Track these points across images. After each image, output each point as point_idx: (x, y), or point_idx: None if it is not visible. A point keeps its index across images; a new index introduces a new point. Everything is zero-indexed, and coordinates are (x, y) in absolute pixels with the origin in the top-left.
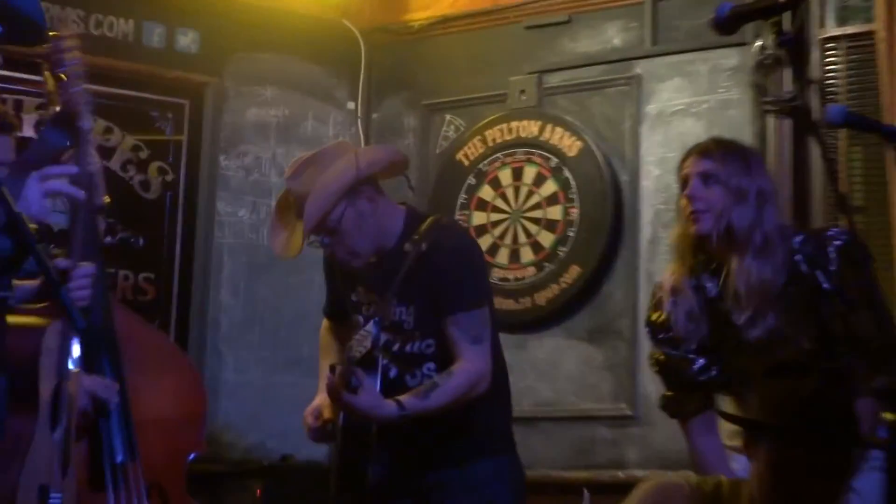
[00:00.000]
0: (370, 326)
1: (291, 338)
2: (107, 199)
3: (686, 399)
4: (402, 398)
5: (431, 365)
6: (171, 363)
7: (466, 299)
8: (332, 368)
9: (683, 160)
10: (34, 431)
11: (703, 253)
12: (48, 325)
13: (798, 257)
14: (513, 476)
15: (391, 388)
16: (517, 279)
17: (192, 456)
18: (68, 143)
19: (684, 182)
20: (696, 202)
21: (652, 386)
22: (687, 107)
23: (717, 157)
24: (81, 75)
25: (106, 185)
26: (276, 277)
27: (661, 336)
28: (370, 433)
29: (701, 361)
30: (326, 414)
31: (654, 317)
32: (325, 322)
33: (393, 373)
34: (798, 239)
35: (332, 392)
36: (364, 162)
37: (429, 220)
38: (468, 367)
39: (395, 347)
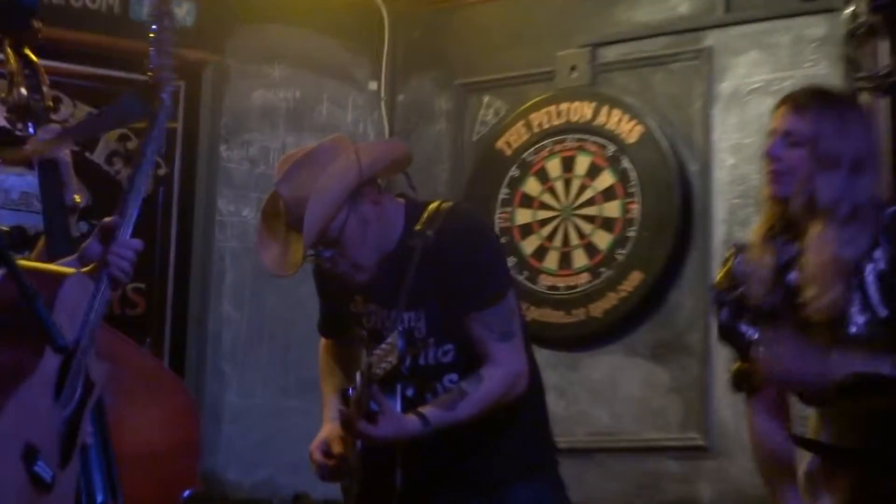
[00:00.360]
0: (394, 338)
1: (304, 356)
2: (77, 199)
3: (752, 371)
4: (426, 410)
5: (453, 376)
6: (158, 386)
7: (488, 293)
8: (344, 396)
9: (776, 108)
10: (27, 368)
11: (783, 216)
12: (71, 274)
13: (883, 233)
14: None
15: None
16: (569, 287)
17: (186, 493)
18: (144, 114)
19: (772, 134)
20: (776, 163)
21: (728, 411)
22: (766, 84)
23: (808, 115)
24: (172, 42)
25: (87, 181)
26: (286, 286)
27: (723, 299)
28: (394, 459)
29: (752, 333)
30: (337, 448)
31: (721, 275)
32: (322, 341)
33: (410, 392)
34: (890, 211)
35: (348, 424)
36: (366, 160)
37: (430, 207)
38: (500, 369)
39: (407, 363)
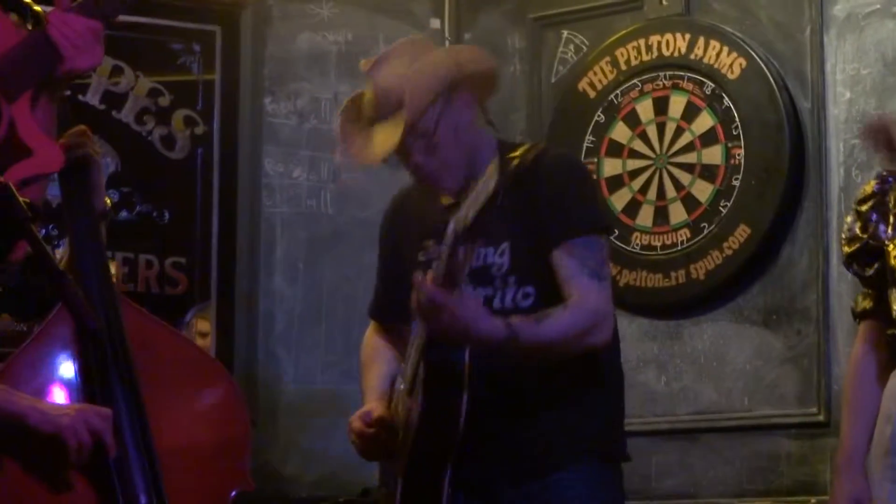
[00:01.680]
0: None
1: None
2: (108, 202)
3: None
4: (511, 319)
5: None
6: (199, 375)
7: (585, 220)
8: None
9: None
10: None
11: None
12: None
13: None
14: (609, 493)
15: (476, 369)
16: (666, 247)
17: (233, 493)
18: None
19: None
20: None
21: None
22: (885, 6)
23: None
24: None
25: (115, 143)
26: (346, 255)
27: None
28: (451, 429)
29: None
30: (378, 412)
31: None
32: (369, 330)
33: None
34: None
35: (424, 298)
36: (462, 57)
37: (525, 146)
38: (586, 304)
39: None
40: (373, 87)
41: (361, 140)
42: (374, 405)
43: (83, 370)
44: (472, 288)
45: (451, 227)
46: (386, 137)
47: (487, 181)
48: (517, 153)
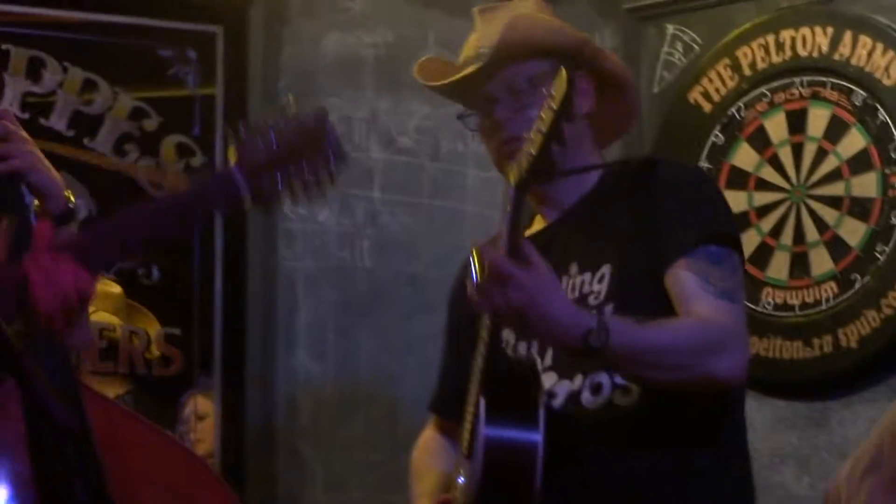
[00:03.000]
0: None
1: (422, 425)
2: (70, 198)
3: None
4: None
5: None
6: (190, 490)
7: (712, 226)
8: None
9: None
10: None
11: None
12: None
13: None
14: None
15: (557, 422)
16: (807, 306)
17: None
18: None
19: None
20: None
21: None
22: None
23: None
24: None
25: (88, 179)
26: (389, 321)
27: None
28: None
29: None
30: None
31: None
32: (431, 425)
33: (569, 388)
34: None
35: (487, 265)
36: (594, 44)
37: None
38: (711, 318)
39: None
40: (478, 29)
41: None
42: None
43: (39, 479)
44: None
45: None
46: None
47: (554, 95)
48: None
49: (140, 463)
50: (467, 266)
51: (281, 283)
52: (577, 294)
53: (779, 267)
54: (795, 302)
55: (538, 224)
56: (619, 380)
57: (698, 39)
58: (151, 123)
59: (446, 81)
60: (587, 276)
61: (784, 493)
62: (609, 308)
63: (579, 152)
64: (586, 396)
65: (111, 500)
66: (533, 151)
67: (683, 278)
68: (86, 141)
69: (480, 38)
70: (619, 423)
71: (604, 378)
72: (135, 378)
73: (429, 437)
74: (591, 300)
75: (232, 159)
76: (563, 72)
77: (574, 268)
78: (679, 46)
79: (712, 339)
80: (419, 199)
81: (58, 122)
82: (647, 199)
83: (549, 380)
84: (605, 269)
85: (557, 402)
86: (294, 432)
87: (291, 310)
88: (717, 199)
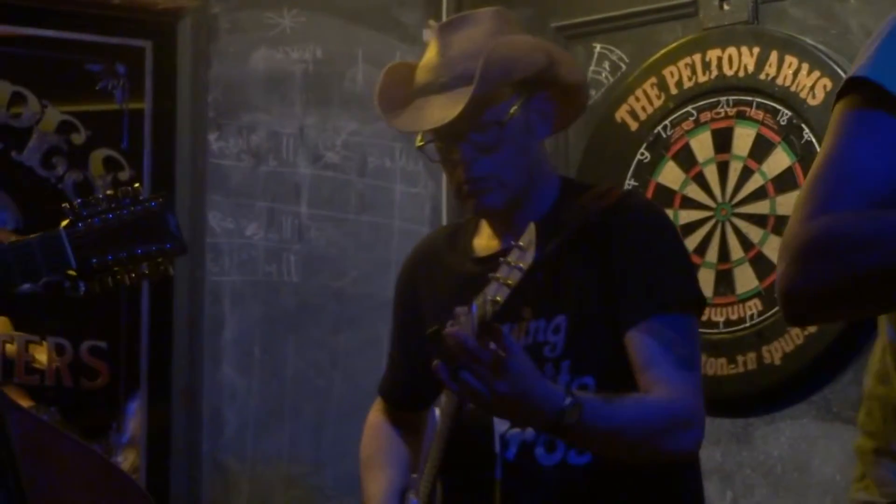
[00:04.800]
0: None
1: (350, 439)
2: None
3: None
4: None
5: None
6: (115, 502)
7: (675, 291)
8: (433, 333)
9: None
10: None
11: None
12: None
13: None
14: None
15: (513, 472)
16: (731, 323)
17: None
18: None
19: None
20: None
21: None
22: None
23: None
24: None
25: (15, 193)
26: (314, 336)
27: None
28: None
29: None
30: None
31: None
32: (374, 411)
33: (521, 438)
34: None
35: (454, 343)
36: (557, 55)
37: (594, 188)
38: (671, 395)
39: None
40: (438, 50)
41: (407, 110)
42: None
43: None
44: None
45: (473, 309)
46: (443, 110)
47: (524, 250)
48: (588, 196)
49: (63, 476)
50: (413, 252)
51: (207, 298)
52: (530, 340)
53: (704, 284)
54: (720, 319)
55: (488, 240)
56: None
57: (625, 58)
58: (80, 137)
59: (419, 132)
60: (541, 322)
61: None
62: (566, 364)
63: (539, 172)
64: (540, 452)
65: None
66: (500, 300)
67: (642, 343)
68: (13, 154)
69: (440, 63)
70: (573, 483)
71: None
72: (61, 391)
73: (378, 424)
74: (547, 352)
75: (63, 226)
76: (532, 229)
77: (527, 311)
78: (606, 65)
79: (676, 421)
80: (346, 215)
81: None
82: (605, 248)
83: (501, 424)
84: (561, 321)
85: (510, 452)
86: (218, 447)
87: (217, 324)
88: (679, 255)
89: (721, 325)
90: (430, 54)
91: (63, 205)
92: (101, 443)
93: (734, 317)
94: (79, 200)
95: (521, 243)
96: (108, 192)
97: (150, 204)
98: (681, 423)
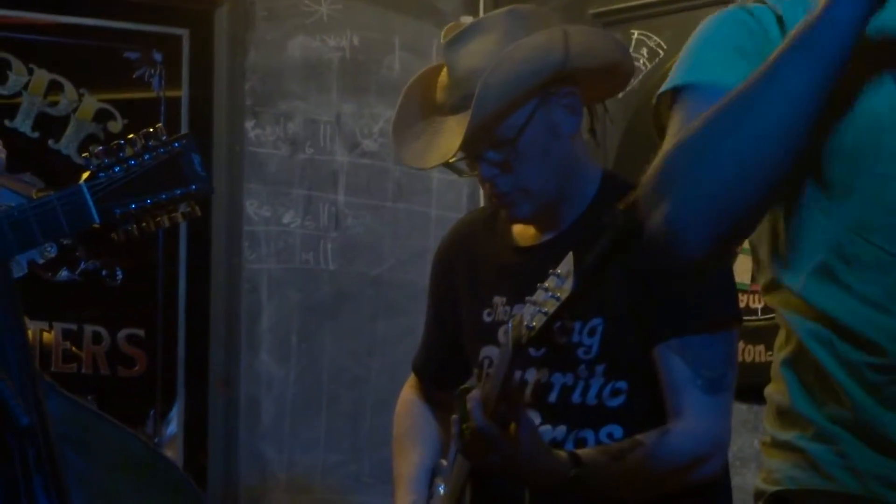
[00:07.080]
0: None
1: (385, 427)
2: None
3: None
4: (581, 452)
5: (615, 430)
6: (154, 485)
7: (709, 312)
8: (463, 391)
9: None
10: None
11: None
12: None
13: None
14: None
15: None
16: (769, 310)
17: None
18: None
19: None
20: None
21: None
22: None
23: None
24: None
25: (51, 179)
26: (352, 324)
27: None
28: None
29: None
30: None
31: None
32: (408, 388)
33: (551, 436)
34: None
35: (470, 430)
36: (576, 45)
37: (635, 194)
38: (696, 428)
39: (554, 394)
40: (447, 67)
41: (422, 136)
42: None
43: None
44: (548, 373)
45: (506, 332)
46: (450, 137)
47: (563, 278)
48: (628, 199)
49: (105, 460)
50: (451, 234)
51: (244, 286)
52: (566, 339)
53: (742, 271)
54: (758, 306)
55: (529, 232)
56: (603, 436)
57: (663, 44)
58: (117, 125)
59: (428, 167)
60: (577, 324)
61: (745, 496)
62: (600, 368)
63: (574, 168)
64: None
65: (69, 499)
66: (535, 325)
67: (671, 363)
68: (50, 143)
69: (448, 84)
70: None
71: (588, 434)
72: (98, 379)
73: (411, 401)
74: (581, 353)
75: (84, 179)
76: (571, 259)
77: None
78: (644, 51)
79: (697, 457)
80: (383, 202)
81: (23, 123)
82: (643, 257)
83: (533, 417)
84: (597, 323)
85: None
86: (255, 435)
87: (255, 312)
88: (727, 272)
89: (759, 313)
90: (443, 72)
91: (83, 154)
92: (139, 430)
93: None
94: (100, 148)
95: (559, 271)
96: (130, 136)
97: (173, 145)
98: (703, 457)
